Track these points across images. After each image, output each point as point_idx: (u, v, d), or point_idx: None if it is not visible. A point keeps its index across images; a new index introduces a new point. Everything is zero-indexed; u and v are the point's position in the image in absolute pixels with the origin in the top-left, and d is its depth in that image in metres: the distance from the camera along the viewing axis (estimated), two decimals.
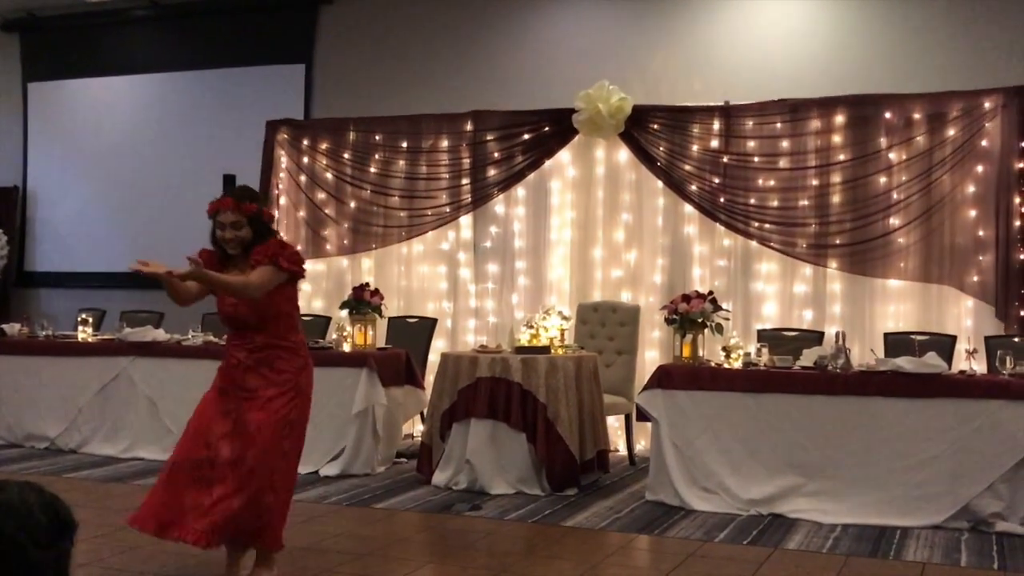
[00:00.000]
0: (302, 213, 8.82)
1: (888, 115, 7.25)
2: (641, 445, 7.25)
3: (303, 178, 8.83)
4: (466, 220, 8.36)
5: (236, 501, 3.97)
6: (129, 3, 10.14)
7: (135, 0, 10.08)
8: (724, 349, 5.92)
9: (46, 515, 1.59)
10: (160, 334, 7.40)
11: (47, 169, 10.57)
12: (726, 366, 5.84)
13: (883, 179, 7.27)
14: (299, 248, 8.68)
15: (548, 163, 8.09)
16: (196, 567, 4.41)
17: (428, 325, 7.94)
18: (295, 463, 4.23)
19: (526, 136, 8.13)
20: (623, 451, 7.27)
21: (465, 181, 8.33)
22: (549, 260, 8.09)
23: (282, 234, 8.76)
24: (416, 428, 7.85)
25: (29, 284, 10.56)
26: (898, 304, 7.24)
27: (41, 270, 10.48)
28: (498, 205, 8.28)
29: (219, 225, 4.12)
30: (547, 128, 8.05)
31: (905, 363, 5.48)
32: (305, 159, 8.84)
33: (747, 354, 5.97)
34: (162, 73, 10.07)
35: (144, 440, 7.08)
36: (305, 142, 8.85)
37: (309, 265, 8.62)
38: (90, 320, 7.72)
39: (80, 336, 7.56)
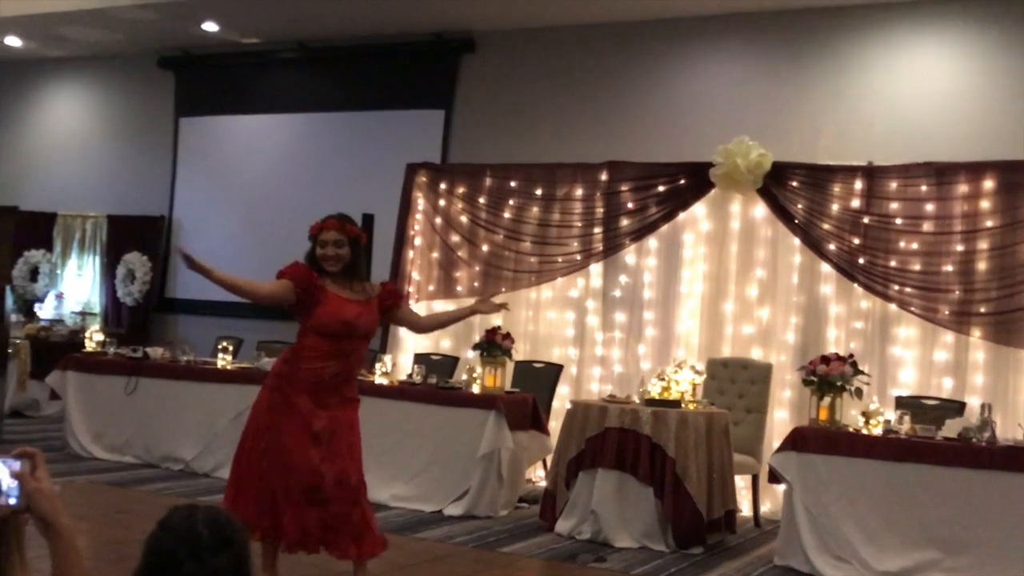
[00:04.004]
0: (436, 255, 8.98)
1: None
2: (767, 507, 7.10)
3: (438, 220, 8.99)
4: (596, 268, 8.38)
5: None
6: (279, 45, 10.57)
7: (284, 43, 10.50)
8: (863, 414, 5.77)
9: (208, 529, 1.72)
10: None
11: (193, 200, 11.03)
12: (864, 432, 5.70)
13: None
14: (431, 289, 8.96)
15: (682, 215, 8.06)
16: None
17: (554, 371, 7.96)
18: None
19: (661, 188, 8.12)
20: (746, 512, 7.13)
21: (597, 230, 8.35)
22: (678, 312, 8.03)
23: (415, 274, 9.00)
24: (537, 473, 7.85)
25: (169, 310, 11.00)
26: None
27: (181, 297, 10.89)
28: (629, 255, 8.27)
29: (321, 243, 4.51)
30: (683, 180, 8.03)
31: None
32: (441, 202, 9.01)
33: (887, 421, 5.81)
34: (307, 113, 10.45)
35: None
36: (443, 185, 9.02)
37: (440, 304, 8.92)
38: (229, 348, 7.96)
39: (219, 363, 7.80)
